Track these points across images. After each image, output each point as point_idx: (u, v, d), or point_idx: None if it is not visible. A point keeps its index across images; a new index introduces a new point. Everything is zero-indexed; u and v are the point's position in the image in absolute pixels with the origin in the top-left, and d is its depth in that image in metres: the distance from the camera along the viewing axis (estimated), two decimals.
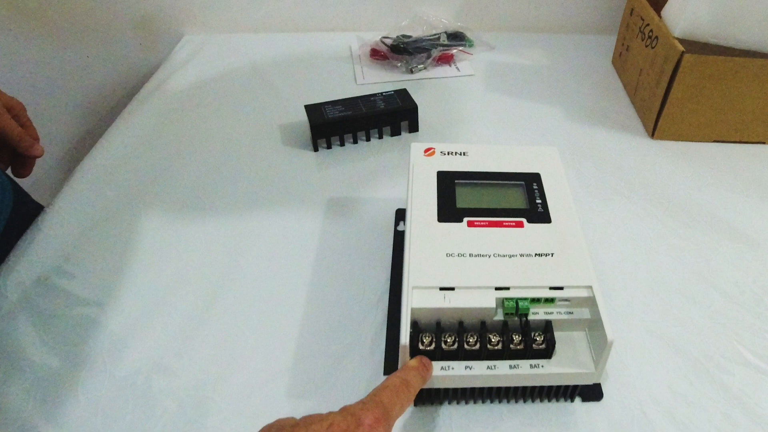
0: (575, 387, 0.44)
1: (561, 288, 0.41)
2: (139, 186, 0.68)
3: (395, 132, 0.76)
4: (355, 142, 0.75)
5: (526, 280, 0.42)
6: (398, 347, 0.39)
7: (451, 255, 0.43)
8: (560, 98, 0.85)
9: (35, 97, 0.87)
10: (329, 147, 0.74)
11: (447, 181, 0.51)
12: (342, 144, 0.75)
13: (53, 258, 0.58)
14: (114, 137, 0.76)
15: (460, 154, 0.54)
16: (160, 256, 0.59)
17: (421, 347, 0.40)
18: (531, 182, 0.51)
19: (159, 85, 0.87)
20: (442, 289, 0.41)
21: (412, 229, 0.46)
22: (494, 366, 0.41)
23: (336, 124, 0.72)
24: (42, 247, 0.59)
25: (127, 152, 0.73)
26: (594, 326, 0.41)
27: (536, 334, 0.41)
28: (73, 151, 0.94)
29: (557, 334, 0.41)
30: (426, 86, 0.88)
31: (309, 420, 0.32)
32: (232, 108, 0.83)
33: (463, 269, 0.42)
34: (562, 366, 0.41)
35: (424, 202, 0.48)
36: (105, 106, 0.99)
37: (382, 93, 0.77)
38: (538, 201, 0.49)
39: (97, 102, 0.98)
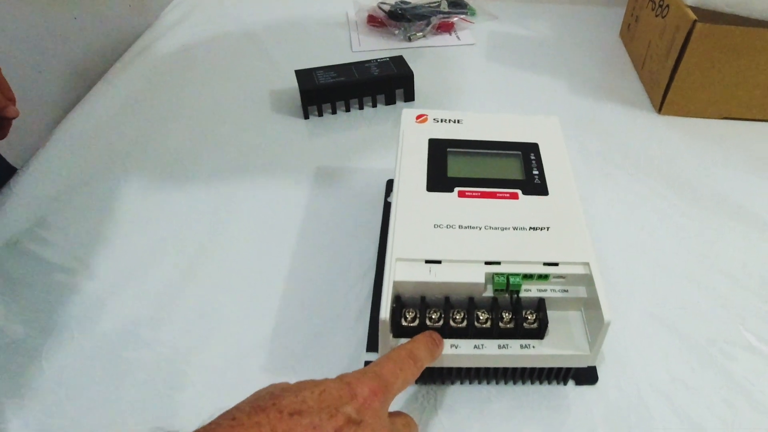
0: (569, 369, 0.41)
1: (556, 264, 0.38)
2: (120, 150, 0.65)
3: (390, 101, 0.73)
4: (348, 110, 0.72)
5: (519, 255, 0.39)
6: None
7: (439, 226, 0.40)
8: (564, 71, 0.81)
9: (19, 59, 0.83)
10: (320, 114, 0.71)
11: (439, 149, 0.47)
12: (334, 112, 0.71)
13: (25, 221, 0.55)
14: (95, 100, 0.73)
15: (455, 122, 0.51)
16: (138, 223, 0.56)
17: (404, 323, 0.37)
18: (528, 152, 0.48)
19: (146, 47, 0.84)
20: (427, 261, 0.38)
21: (399, 197, 0.43)
22: (482, 345, 0.38)
23: (328, 91, 0.69)
24: (13, 209, 0.56)
25: (109, 116, 0.70)
26: (590, 305, 0.38)
27: (528, 312, 0.38)
28: (61, 116, 0.91)
29: (550, 314, 0.38)
30: (424, 55, 0.84)
31: (302, 385, 0.30)
32: (222, 73, 0.79)
33: (451, 241, 0.39)
34: (555, 347, 0.38)
35: (413, 170, 0.45)
36: (94, 70, 0.95)
37: (377, 59, 0.73)
38: (535, 172, 0.46)
39: (85, 66, 0.94)
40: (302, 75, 0.70)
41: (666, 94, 0.70)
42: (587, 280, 0.38)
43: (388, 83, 0.71)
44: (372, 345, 0.45)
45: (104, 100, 0.73)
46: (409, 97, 0.73)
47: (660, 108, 0.72)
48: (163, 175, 0.62)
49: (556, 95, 0.77)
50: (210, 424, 0.26)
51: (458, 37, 0.89)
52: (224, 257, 0.53)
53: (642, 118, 0.72)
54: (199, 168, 0.63)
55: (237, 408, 0.28)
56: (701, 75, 0.67)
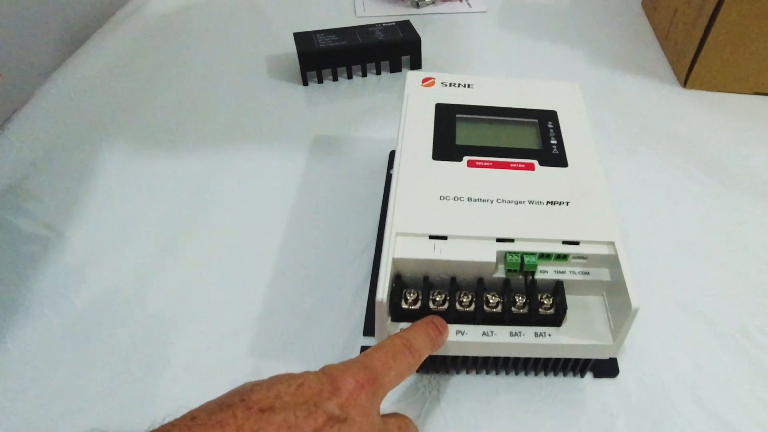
0: (587, 361, 0.37)
1: (576, 243, 0.34)
2: (104, 115, 0.61)
3: (395, 68, 0.68)
4: (350, 77, 0.67)
5: (535, 232, 0.35)
6: None
7: (445, 198, 0.36)
8: (582, 41, 0.76)
9: (4, 22, 0.79)
10: (320, 81, 0.66)
11: (447, 115, 0.43)
12: (335, 78, 0.67)
13: None
14: (80, 62, 0.68)
15: (464, 86, 0.46)
16: (120, 191, 0.52)
17: (404, 305, 0.33)
18: (545, 120, 0.43)
19: (138, 7, 0.79)
20: (432, 237, 0.34)
21: (401, 166, 0.38)
22: (491, 332, 0.34)
23: (328, 55, 0.64)
24: None
25: (94, 78, 0.66)
26: (614, 290, 0.34)
27: (544, 296, 0.34)
28: None
29: (569, 298, 0.34)
30: (433, 22, 0.79)
31: (277, 378, 0.26)
32: (215, 36, 0.75)
33: (458, 215, 0.35)
34: (574, 336, 0.34)
35: (418, 136, 0.41)
36: (84, 34, 0.90)
37: (382, 24, 0.68)
38: (553, 141, 0.41)
39: (75, 29, 0.89)
40: (301, 38, 0.65)
41: (692, 67, 0.65)
42: (611, 261, 0.34)
43: (393, 49, 0.66)
44: (369, 329, 0.41)
45: (90, 62, 0.68)
46: (416, 64, 0.68)
47: (685, 81, 0.67)
48: (148, 141, 0.58)
49: (572, 66, 0.72)
50: (166, 425, 0.22)
51: (469, 4, 0.84)
52: (211, 230, 0.49)
53: (665, 91, 0.67)
54: (187, 135, 0.59)
55: (200, 407, 0.24)
56: (732, 46, 0.62)
